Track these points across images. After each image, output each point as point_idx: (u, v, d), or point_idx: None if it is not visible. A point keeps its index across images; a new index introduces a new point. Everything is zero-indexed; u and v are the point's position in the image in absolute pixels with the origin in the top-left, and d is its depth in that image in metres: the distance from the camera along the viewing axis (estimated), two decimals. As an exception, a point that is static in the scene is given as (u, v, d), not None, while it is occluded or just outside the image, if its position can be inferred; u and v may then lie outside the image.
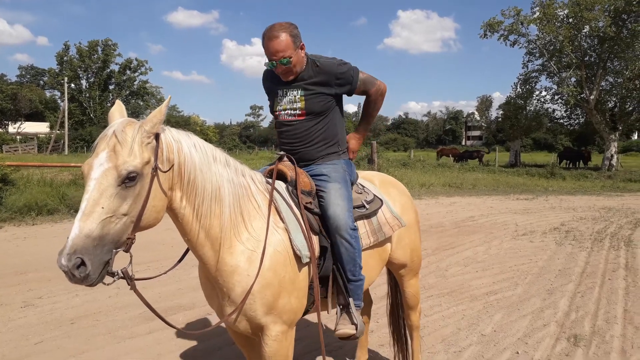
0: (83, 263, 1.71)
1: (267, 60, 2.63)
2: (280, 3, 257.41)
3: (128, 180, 1.81)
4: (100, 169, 1.81)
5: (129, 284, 1.91)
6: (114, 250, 1.81)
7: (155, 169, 1.91)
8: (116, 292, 5.34)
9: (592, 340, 4.28)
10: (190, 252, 2.33)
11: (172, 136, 2.04)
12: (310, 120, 2.69)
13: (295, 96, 2.69)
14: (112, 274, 1.84)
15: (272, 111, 2.84)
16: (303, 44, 2.65)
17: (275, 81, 2.77)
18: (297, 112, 2.69)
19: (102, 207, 1.76)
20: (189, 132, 2.19)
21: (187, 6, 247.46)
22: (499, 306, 5.20)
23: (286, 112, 2.72)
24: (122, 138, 1.85)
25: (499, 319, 4.80)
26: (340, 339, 2.60)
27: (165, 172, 1.95)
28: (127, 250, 1.87)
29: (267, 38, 2.57)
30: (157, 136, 1.95)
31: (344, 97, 2.85)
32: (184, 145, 2.07)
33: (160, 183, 1.95)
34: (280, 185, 2.55)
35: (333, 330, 2.62)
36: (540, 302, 5.31)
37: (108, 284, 1.83)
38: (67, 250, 1.70)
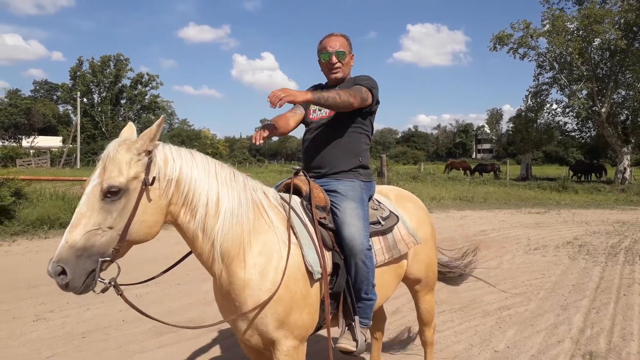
0: (64, 272, 1.83)
1: (321, 54, 2.86)
2: (291, 18, 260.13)
3: (110, 194, 1.90)
4: (92, 184, 1.95)
5: (117, 293, 2.00)
6: (101, 260, 1.90)
7: (145, 184, 1.96)
8: (127, 306, 5.33)
9: (607, 358, 4.20)
10: (183, 262, 2.38)
11: (169, 152, 2.10)
12: (337, 123, 2.79)
13: None
14: (104, 283, 1.94)
15: (307, 111, 2.95)
16: (353, 55, 2.97)
17: (320, 88, 2.98)
18: (328, 110, 2.82)
19: (88, 220, 1.88)
20: (193, 149, 2.25)
21: (199, 21, 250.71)
22: (511, 322, 5.13)
23: (320, 110, 2.87)
24: (113, 155, 1.96)
25: (512, 335, 4.73)
26: (342, 353, 2.61)
27: (151, 185, 1.99)
28: (112, 261, 1.95)
29: (327, 36, 2.89)
30: (150, 152, 2.01)
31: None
32: (183, 161, 2.12)
33: (151, 198, 1.99)
34: (294, 200, 2.56)
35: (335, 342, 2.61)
36: (554, 318, 5.23)
37: (97, 293, 1.93)
38: (53, 259, 1.85)
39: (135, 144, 1.99)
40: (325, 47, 2.85)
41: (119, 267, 2.01)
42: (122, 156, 1.95)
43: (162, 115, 2.15)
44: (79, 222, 1.87)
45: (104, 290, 1.95)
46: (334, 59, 2.82)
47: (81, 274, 1.86)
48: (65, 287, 1.85)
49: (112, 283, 1.96)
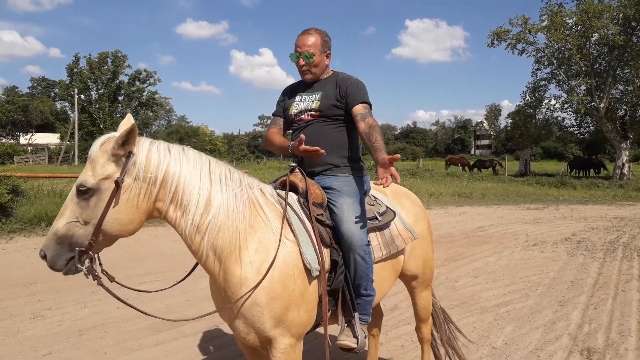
0: (45, 256, 2.01)
1: (290, 54, 2.79)
2: (289, 13, 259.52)
3: (80, 192, 2.00)
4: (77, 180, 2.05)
5: (94, 280, 2.06)
6: (78, 250, 2.00)
7: (117, 184, 1.99)
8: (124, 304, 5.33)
9: (605, 354, 4.20)
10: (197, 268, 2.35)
11: (155, 151, 2.09)
12: (322, 122, 2.75)
13: (313, 100, 2.78)
14: (89, 270, 2.04)
15: (288, 115, 2.90)
16: (330, 54, 2.84)
17: (297, 89, 2.91)
18: (312, 112, 2.77)
19: (69, 212, 2.01)
20: (186, 146, 2.23)
21: (197, 17, 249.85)
22: (510, 318, 5.13)
23: (302, 114, 2.80)
24: (92, 155, 2.04)
25: (510, 332, 4.73)
26: (342, 350, 2.60)
27: (121, 185, 2.00)
28: (87, 252, 2.04)
29: (300, 33, 2.80)
30: (131, 152, 2.03)
31: None
32: (171, 158, 2.10)
33: (125, 197, 2.02)
34: (291, 197, 2.54)
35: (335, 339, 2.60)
36: (552, 314, 5.23)
37: (87, 277, 2.03)
38: (43, 243, 2.02)
39: (108, 145, 2.02)
40: (295, 46, 2.77)
41: (98, 256, 2.11)
42: (99, 156, 2.01)
43: (132, 122, 2.06)
44: (63, 212, 2.01)
45: (95, 278, 2.05)
46: (301, 62, 2.75)
47: (61, 260, 2.01)
48: (51, 268, 2.02)
49: (90, 272, 2.03)
